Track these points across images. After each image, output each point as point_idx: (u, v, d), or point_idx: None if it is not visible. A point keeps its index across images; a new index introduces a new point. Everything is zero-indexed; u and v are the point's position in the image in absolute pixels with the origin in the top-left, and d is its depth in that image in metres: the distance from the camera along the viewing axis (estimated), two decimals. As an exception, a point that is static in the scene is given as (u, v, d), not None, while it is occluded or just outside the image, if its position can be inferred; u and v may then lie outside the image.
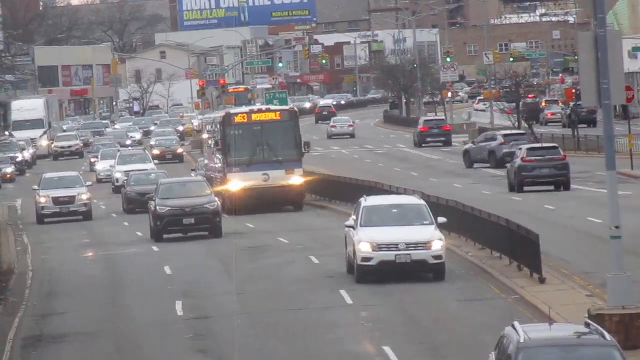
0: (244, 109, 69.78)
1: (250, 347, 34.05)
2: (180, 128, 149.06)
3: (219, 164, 66.91)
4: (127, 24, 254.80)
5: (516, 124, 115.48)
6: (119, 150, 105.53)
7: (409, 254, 37.47)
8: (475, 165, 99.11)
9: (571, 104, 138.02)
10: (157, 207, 53.45)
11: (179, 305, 41.58)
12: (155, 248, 60.08)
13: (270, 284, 45.33)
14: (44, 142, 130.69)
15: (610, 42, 32.05)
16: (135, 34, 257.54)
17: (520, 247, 42.24)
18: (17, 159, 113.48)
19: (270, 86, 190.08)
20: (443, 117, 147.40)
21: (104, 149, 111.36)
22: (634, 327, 27.99)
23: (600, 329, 22.11)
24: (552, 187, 75.59)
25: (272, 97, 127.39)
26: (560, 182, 75.06)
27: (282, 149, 64.00)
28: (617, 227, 30.39)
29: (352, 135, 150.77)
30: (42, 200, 63.76)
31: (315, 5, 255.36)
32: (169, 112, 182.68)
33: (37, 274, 56.09)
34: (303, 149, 64.73)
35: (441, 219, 39.77)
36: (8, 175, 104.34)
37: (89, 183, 68.58)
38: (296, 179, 64.01)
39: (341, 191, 67.63)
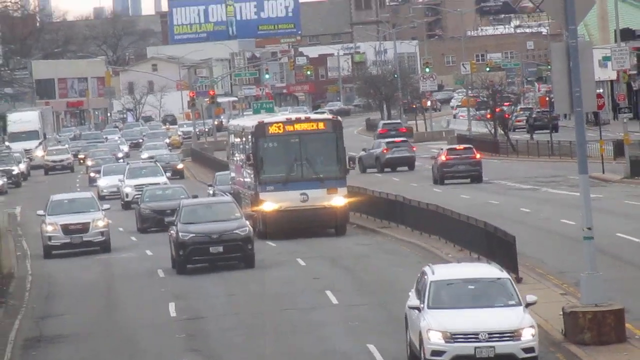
0: (280, 118, 60.18)
1: (240, 346, 34.12)
2: (167, 140, 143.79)
3: (250, 180, 57.69)
4: (120, 38, 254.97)
5: (492, 130, 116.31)
6: (127, 164, 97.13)
7: (493, 347, 24.55)
8: (368, 170, 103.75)
9: (535, 111, 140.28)
10: (180, 234, 44.30)
11: (172, 307, 41.69)
12: (149, 252, 58.67)
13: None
14: (39, 153, 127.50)
15: (581, 52, 32.30)
16: (128, 48, 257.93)
17: (498, 248, 41.94)
18: (14, 172, 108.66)
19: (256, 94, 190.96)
20: (399, 121, 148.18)
21: (106, 164, 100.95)
22: (606, 324, 28.44)
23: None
24: (468, 180, 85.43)
25: (259, 107, 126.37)
26: (474, 176, 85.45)
27: (323, 165, 54.82)
28: (589, 228, 30.43)
29: None
30: (50, 229, 49.25)
31: (300, 19, 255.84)
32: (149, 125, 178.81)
33: (36, 278, 55.32)
34: (348, 165, 56.22)
35: (531, 297, 26.74)
36: None
37: (106, 207, 53.93)
38: (339, 200, 54.43)
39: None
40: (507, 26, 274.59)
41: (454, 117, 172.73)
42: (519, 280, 38.91)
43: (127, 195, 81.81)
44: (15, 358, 38.28)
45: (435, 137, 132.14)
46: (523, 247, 42.18)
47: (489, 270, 26.08)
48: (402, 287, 40.84)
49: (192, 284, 46.47)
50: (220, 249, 43.37)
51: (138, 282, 51.07)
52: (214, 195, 73.76)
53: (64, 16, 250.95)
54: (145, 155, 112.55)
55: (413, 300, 25.54)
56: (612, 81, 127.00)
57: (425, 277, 25.14)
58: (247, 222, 45.81)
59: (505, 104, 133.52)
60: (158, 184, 80.00)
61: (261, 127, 55.13)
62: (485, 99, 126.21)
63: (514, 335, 24.72)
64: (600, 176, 78.77)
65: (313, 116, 63.61)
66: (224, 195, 66.86)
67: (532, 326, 24.87)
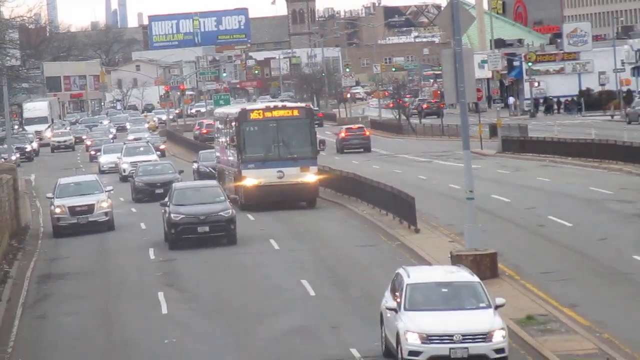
0: (260, 105, 55.59)
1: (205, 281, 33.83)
2: (146, 125, 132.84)
3: (233, 159, 52.69)
4: (112, 45, 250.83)
5: (396, 116, 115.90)
6: (124, 144, 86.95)
7: (467, 348, 21.35)
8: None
9: (426, 101, 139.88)
10: (172, 215, 39.95)
11: (151, 252, 41.30)
12: (133, 209, 57.02)
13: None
14: (48, 134, 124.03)
15: (465, 57, 32.20)
16: (117, 52, 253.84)
17: (401, 206, 41.33)
18: (27, 149, 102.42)
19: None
20: (317, 108, 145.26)
21: (105, 144, 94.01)
22: (483, 264, 28.87)
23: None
24: (361, 150, 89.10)
25: (218, 99, 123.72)
26: (365, 148, 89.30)
27: (297, 147, 50.35)
28: (471, 191, 30.71)
29: None
30: (58, 210, 43.12)
31: (250, 30, 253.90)
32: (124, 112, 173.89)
33: (47, 230, 53.03)
34: (318, 147, 51.36)
35: (499, 300, 22.78)
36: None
37: (109, 188, 46.54)
38: (311, 177, 50.14)
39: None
40: (408, 36, 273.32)
41: (368, 106, 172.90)
42: (417, 231, 38.65)
43: (124, 170, 75.41)
44: (31, 291, 38.16)
45: (354, 121, 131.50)
46: (420, 205, 41.43)
47: (461, 275, 22.49)
48: (328, 237, 41.67)
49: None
50: (207, 228, 39.04)
51: (126, 234, 49.31)
52: (198, 169, 70.10)
53: (68, 28, 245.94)
54: (131, 137, 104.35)
55: (389, 301, 22.11)
56: (488, 79, 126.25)
57: (401, 279, 21.87)
58: (230, 205, 40.87)
59: (407, 95, 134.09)
60: (150, 161, 73.04)
61: (244, 113, 50.93)
62: (393, 91, 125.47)
63: (486, 337, 21.42)
64: (479, 151, 76.99)
65: (288, 104, 56.48)
66: (207, 170, 66.09)
67: (502, 328, 21.63)
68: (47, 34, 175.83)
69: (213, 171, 63.84)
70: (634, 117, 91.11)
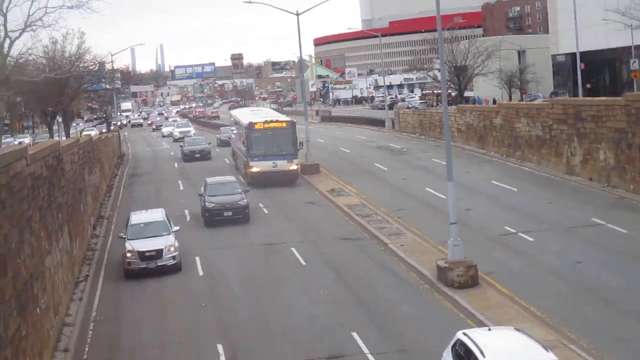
0: (262, 119, 59.54)
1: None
2: (174, 112, 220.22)
3: (245, 153, 58.89)
4: (157, 78, 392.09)
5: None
6: (175, 121, 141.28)
7: None
8: None
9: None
10: (206, 203, 44.83)
11: (180, 183, 61.08)
12: (176, 165, 75.28)
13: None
14: (132, 117, 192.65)
15: (305, 83, 67.12)
16: (160, 81, 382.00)
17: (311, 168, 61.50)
18: (122, 123, 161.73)
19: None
20: None
21: (165, 122, 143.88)
22: (467, 275, 29.10)
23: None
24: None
25: (204, 101, 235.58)
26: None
27: (285, 147, 57.18)
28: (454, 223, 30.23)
29: None
30: (129, 255, 36.20)
31: (216, 71, 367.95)
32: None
33: (133, 156, 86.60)
34: (298, 146, 58.30)
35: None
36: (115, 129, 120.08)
37: (176, 228, 39.02)
38: (293, 166, 57.66)
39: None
40: (282, 73, 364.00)
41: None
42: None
43: (176, 136, 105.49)
44: (127, 181, 65.67)
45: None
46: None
47: (532, 346, 18.56)
48: (297, 201, 51.69)
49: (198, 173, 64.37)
50: (230, 213, 44.40)
51: (168, 161, 77.43)
52: (220, 139, 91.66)
53: (140, 71, 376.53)
54: (170, 119, 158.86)
55: None
56: (315, 91, 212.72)
57: (471, 354, 18.32)
58: (245, 195, 46.00)
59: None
60: (190, 131, 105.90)
61: (251, 125, 57.81)
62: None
63: None
64: (312, 121, 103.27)
65: (280, 118, 61.75)
66: (225, 138, 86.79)
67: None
68: (131, 74, 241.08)
69: (228, 139, 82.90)
70: (375, 107, 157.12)
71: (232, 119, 76.25)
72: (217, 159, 76.48)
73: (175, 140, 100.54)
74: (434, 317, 26.51)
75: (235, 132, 70.57)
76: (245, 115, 66.51)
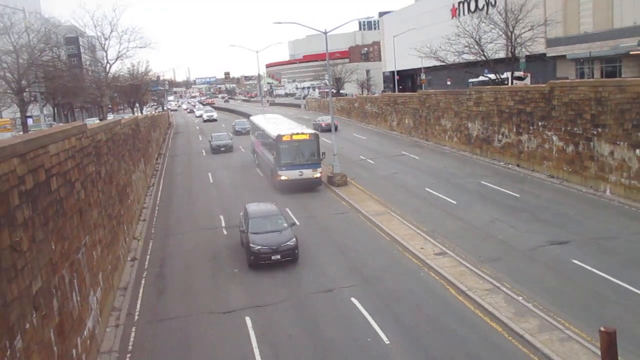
0: (289, 132, 59.15)
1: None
2: (197, 100, 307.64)
3: (273, 163, 59.21)
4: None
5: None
6: (204, 105, 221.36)
7: None
8: None
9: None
10: (251, 245, 37.35)
11: (209, 176, 65.01)
12: (203, 152, 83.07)
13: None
14: (171, 104, 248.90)
15: (261, 86, 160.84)
16: (186, 85, 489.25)
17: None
18: (167, 108, 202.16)
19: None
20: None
21: (196, 107, 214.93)
22: (342, 179, 49.75)
23: None
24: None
25: (212, 94, 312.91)
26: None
27: (310, 157, 57.76)
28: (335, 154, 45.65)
29: None
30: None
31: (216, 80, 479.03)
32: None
33: (176, 124, 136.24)
34: (321, 156, 58.59)
35: None
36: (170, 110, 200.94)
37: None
38: (317, 174, 58.06)
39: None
40: (251, 81, 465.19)
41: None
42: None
43: (205, 118, 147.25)
44: (173, 136, 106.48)
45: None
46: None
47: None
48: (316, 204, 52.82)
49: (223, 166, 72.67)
50: (279, 256, 37.20)
51: (202, 149, 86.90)
52: (235, 128, 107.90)
53: (175, 78, 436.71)
54: (199, 105, 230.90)
55: None
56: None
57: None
58: (293, 234, 38.76)
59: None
60: (213, 115, 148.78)
61: (279, 137, 58.07)
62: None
63: None
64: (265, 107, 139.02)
65: (305, 130, 60.25)
66: (241, 130, 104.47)
67: None
68: (173, 81, 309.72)
69: (242, 130, 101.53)
70: (298, 98, 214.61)
71: (252, 123, 79.17)
72: (236, 150, 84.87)
73: (205, 121, 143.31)
74: (325, 200, 48.50)
75: (257, 135, 72.41)
76: (269, 125, 67.69)
